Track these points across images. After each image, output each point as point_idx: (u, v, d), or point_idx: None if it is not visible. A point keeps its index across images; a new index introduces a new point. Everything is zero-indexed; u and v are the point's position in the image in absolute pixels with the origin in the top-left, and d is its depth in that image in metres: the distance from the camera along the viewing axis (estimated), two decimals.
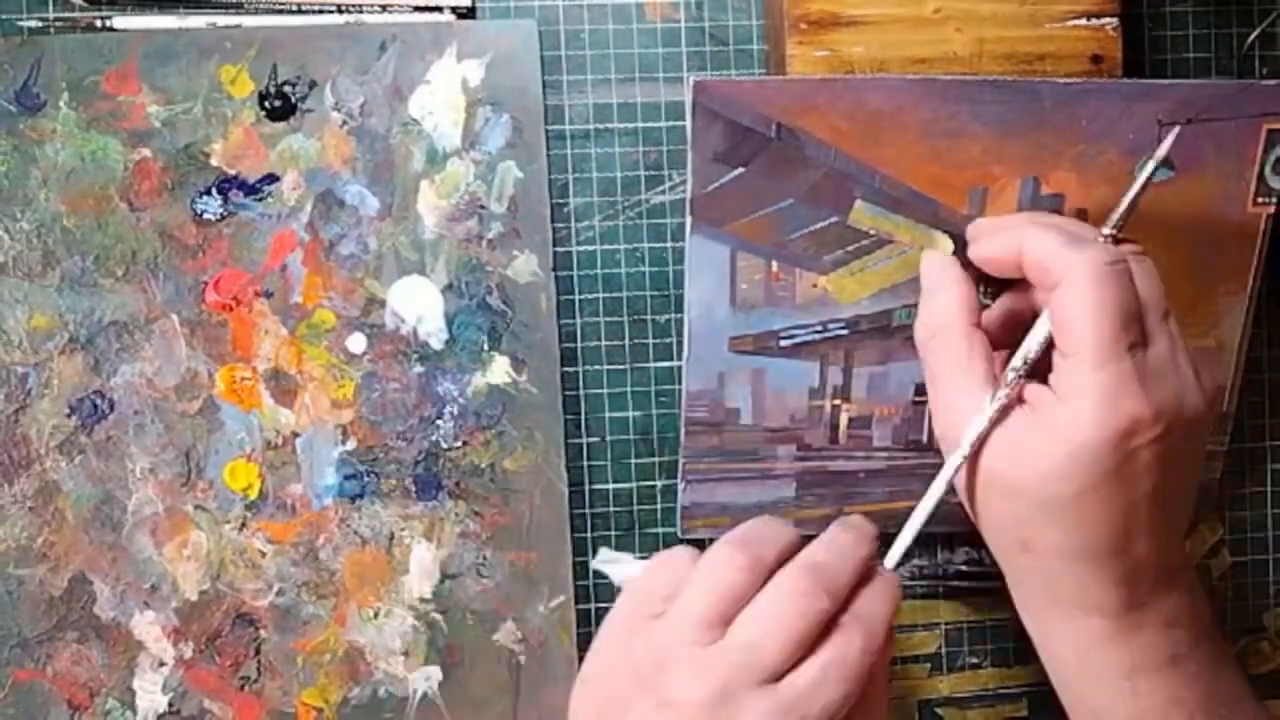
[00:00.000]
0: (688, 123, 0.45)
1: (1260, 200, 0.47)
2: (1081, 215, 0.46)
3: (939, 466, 0.41)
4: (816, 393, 0.49)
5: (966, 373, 0.40)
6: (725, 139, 0.45)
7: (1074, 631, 0.40)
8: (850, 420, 0.49)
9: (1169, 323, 0.39)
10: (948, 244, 0.46)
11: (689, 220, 0.46)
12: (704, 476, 0.50)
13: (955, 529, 0.51)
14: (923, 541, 0.52)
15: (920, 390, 0.49)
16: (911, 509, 0.42)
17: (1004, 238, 0.41)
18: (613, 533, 0.51)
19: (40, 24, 0.48)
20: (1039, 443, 0.38)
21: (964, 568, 0.52)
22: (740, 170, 0.45)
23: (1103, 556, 0.39)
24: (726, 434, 0.49)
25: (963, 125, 0.45)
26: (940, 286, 0.42)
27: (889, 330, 0.48)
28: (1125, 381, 0.37)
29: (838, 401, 0.49)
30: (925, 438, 0.49)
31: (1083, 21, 0.46)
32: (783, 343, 0.48)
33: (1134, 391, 0.37)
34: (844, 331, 0.48)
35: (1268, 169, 0.46)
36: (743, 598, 0.42)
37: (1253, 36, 0.51)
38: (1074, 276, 0.38)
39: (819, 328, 0.48)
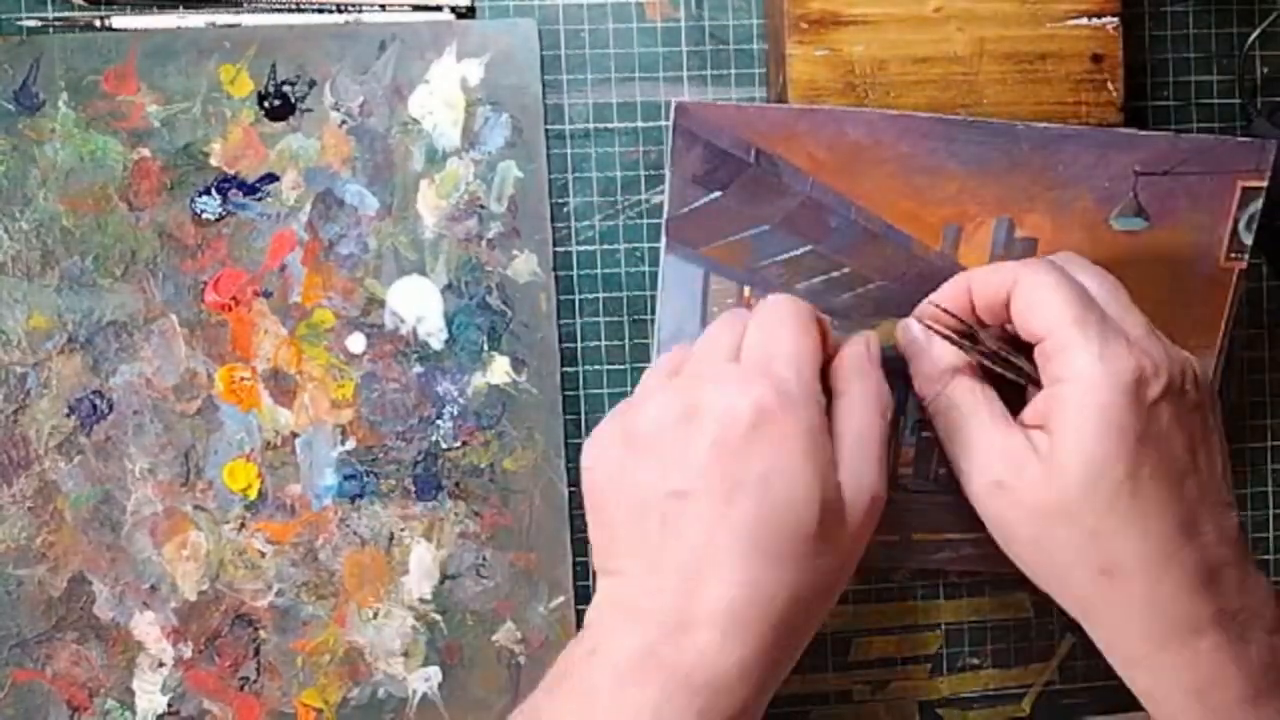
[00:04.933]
0: (667, 143, 0.45)
1: (1233, 256, 0.46)
2: None
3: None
4: None
5: (990, 405, 0.41)
6: (704, 162, 0.45)
7: (1185, 663, 0.39)
8: None
9: (1134, 308, 0.41)
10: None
11: (664, 240, 0.46)
12: None
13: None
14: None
15: None
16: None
17: (952, 284, 0.44)
18: None
19: (40, 23, 0.48)
20: (1068, 437, 0.38)
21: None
22: (717, 194, 0.45)
23: (1179, 550, 0.38)
24: None
25: (940, 163, 0.45)
26: (932, 340, 0.43)
27: None
28: (1112, 341, 0.39)
29: None
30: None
31: (1083, 21, 0.46)
32: None
33: (1124, 350, 0.38)
34: None
35: (1241, 225, 0.46)
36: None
37: (1253, 36, 0.51)
38: (1024, 274, 0.40)
39: None
